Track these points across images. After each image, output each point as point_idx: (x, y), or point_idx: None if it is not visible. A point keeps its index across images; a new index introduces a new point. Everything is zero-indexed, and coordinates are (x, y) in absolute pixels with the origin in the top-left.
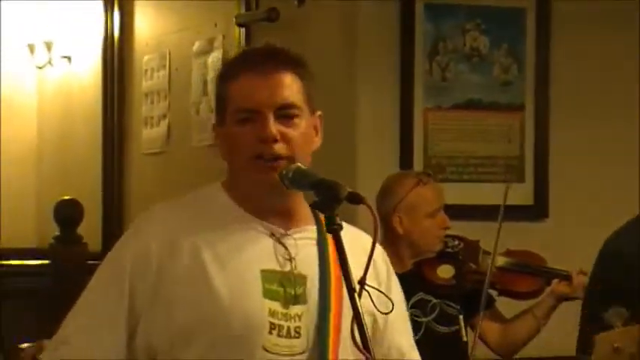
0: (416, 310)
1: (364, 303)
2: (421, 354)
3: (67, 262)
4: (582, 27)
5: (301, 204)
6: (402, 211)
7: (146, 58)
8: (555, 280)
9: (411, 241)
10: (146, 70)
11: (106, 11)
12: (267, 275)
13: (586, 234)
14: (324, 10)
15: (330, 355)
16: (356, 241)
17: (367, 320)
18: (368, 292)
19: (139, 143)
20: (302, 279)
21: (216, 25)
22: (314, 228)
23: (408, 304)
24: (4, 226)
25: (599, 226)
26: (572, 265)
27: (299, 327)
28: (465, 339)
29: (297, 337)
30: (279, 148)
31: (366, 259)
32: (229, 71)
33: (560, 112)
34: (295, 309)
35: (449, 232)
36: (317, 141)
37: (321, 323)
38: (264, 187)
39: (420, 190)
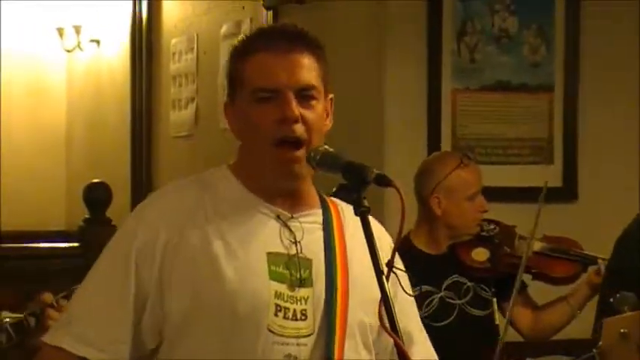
0: (450, 292)
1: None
2: (454, 336)
3: (96, 245)
4: (612, 7)
5: (310, 187)
6: (442, 192)
7: (174, 40)
8: (591, 270)
9: (448, 223)
10: (174, 53)
11: None
12: (273, 258)
13: (615, 216)
14: None
15: (338, 338)
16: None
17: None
18: (397, 276)
19: (167, 126)
20: (307, 262)
21: (243, 7)
22: (320, 212)
23: (442, 285)
24: (35, 208)
25: (628, 208)
26: (600, 247)
27: (305, 309)
28: (497, 322)
29: (304, 320)
30: (299, 129)
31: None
32: (246, 48)
33: (589, 94)
34: (302, 292)
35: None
36: (328, 124)
37: (328, 306)
38: (283, 174)
39: (461, 172)
